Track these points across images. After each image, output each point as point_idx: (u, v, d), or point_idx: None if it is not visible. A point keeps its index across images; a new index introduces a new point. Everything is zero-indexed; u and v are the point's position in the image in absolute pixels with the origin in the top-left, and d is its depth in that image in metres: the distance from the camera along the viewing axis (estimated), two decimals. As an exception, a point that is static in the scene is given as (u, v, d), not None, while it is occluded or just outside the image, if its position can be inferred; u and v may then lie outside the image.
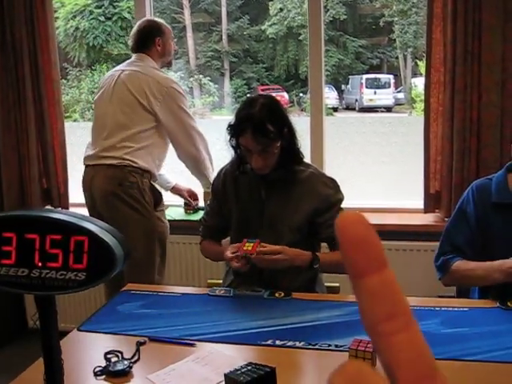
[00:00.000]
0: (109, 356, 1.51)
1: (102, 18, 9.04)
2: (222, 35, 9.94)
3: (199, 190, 3.03)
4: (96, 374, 1.43)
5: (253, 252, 1.86)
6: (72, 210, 3.43)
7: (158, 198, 2.79)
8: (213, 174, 2.66)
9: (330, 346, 1.56)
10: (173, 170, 3.17)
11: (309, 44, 3.15)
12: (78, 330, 1.73)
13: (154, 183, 2.77)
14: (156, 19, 2.98)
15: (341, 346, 1.54)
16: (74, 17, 9.15)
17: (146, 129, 2.70)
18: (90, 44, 9.07)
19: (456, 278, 2.01)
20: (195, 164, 2.82)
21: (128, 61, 2.90)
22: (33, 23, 3.20)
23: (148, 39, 2.81)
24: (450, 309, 1.80)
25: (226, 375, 1.25)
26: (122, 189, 2.64)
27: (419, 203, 3.00)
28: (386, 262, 0.27)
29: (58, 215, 0.97)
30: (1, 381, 1.55)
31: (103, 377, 1.43)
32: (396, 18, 9.07)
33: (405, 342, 0.25)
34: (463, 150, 2.78)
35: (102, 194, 2.68)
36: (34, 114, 3.33)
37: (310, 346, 1.57)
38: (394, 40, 9.48)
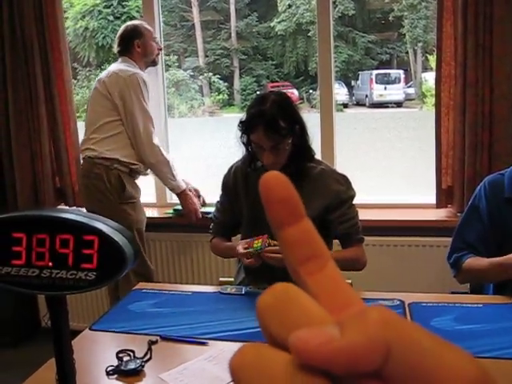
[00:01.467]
0: (121, 355, 1.51)
1: (111, 18, 9.07)
2: (230, 33, 9.93)
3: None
4: (108, 373, 1.44)
5: (263, 248, 1.86)
6: (85, 208, 3.45)
7: (126, 189, 2.86)
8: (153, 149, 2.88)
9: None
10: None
11: (318, 40, 3.13)
12: (90, 329, 1.73)
13: (128, 175, 2.89)
14: (136, 23, 3.14)
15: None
16: (83, 17, 9.18)
17: (112, 120, 2.90)
18: (100, 44, 9.10)
19: (468, 275, 2.00)
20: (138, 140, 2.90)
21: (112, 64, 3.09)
22: (42, 21, 3.22)
23: (128, 43, 3.03)
24: (464, 305, 1.78)
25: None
26: (88, 181, 2.88)
27: (431, 198, 2.98)
28: (303, 215, 0.31)
29: (68, 215, 0.97)
30: (15, 380, 1.55)
31: (115, 376, 1.43)
32: (405, 13, 9.01)
33: (322, 279, 0.29)
34: (475, 144, 2.76)
35: (78, 188, 3.02)
36: (46, 113, 3.35)
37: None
38: (404, 35, 9.42)
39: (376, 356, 0.24)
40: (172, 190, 3.04)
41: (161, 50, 3.17)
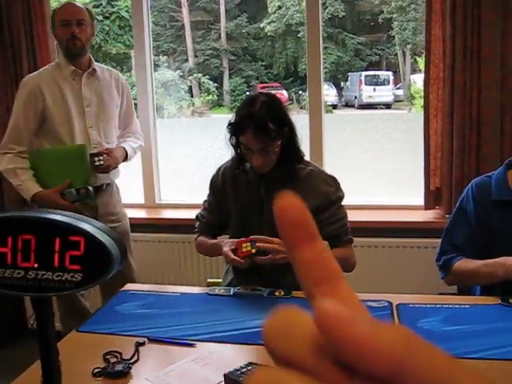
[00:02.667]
0: (108, 357, 1.50)
1: (100, 18, 9.02)
2: (220, 33, 9.92)
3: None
4: (95, 375, 1.42)
5: (251, 252, 1.86)
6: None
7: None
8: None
9: (330, 344, 1.55)
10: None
11: (307, 41, 3.13)
12: (77, 330, 1.72)
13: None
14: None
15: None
16: (72, 16, 9.13)
17: None
18: (89, 43, 9.06)
19: (458, 277, 2.00)
20: None
21: None
22: (30, 21, 3.19)
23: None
24: (452, 306, 1.79)
25: (225, 375, 1.24)
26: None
27: (419, 200, 3.00)
28: (317, 236, 0.32)
29: (54, 216, 0.96)
30: (1, 381, 1.54)
31: (102, 378, 1.42)
32: (395, 15, 9.04)
33: (337, 300, 0.29)
34: (463, 146, 2.77)
35: None
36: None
37: (310, 345, 1.55)
38: (393, 37, 9.45)
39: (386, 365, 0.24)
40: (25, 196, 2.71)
41: (75, 35, 2.58)
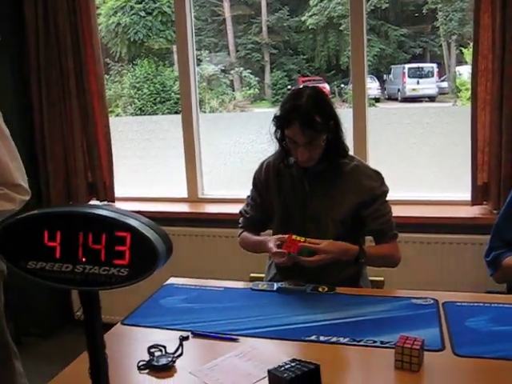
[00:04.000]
0: (152, 350, 1.51)
1: (143, 13, 9.11)
2: (261, 27, 9.89)
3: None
4: (140, 368, 1.44)
5: (295, 251, 1.85)
6: (117, 203, 3.49)
7: None
8: None
9: (375, 342, 1.53)
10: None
11: (350, 34, 3.09)
12: (122, 323, 1.74)
13: None
14: None
15: (387, 343, 1.51)
16: (116, 12, 9.26)
17: None
18: (131, 39, 9.16)
19: (507, 274, 1.95)
20: None
21: None
22: (76, 17, 3.26)
23: None
24: (501, 305, 1.74)
25: (269, 371, 1.23)
26: None
27: (466, 195, 2.92)
28: None
29: (101, 211, 0.97)
30: (49, 370, 1.58)
31: (147, 371, 1.43)
32: (440, 5, 8.84)
33: None
34: (513, 140, 2.69)
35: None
36: (78, 108, 3.39)
37: (354, 342, 1.53)
38: (438, 28, 9.24)
39: None
40: None
41: None
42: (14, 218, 0.98)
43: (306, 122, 1.86)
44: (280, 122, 1.96)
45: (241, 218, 2.27)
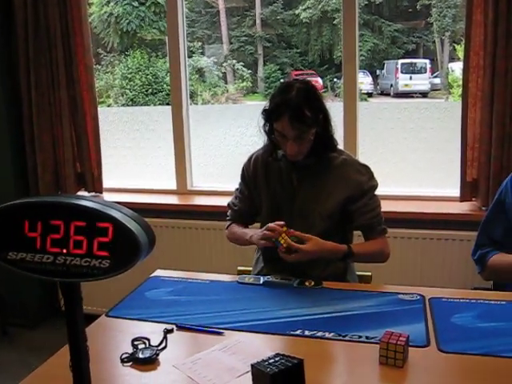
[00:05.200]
0: (136, 343, 1.50)
1: (136, 4, 9.06)
2: (255, 20, 9.87)
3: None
4: (123, 361, 1.43)
5: (282, 247, 1.85)
6: (106, 194, 3.46)
7: None
8: None
9: (360, 337, 1.52)
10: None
11: (343, 28, 3.07)
12: (106, 315, 1.73)
13: None
14: None
15: (372, 338, 1.50)
16: (108, 2, 9.20)
17: None
18: (124, 29, 9.11)
19: (494, 272, 1.95)
20: None
21: None
22: (65, 5, 3.21)
23: None
24: (487, 301, 1.74)
25: (252, 366, 1.22)
26: None
27: (455, 191, 2.92)
28: None
29: (83, 202, 0.95)
30: (32, 360, 1.57)
31: (130, 363, 1.42)
32: (434, 1, 8.85)
33: None
34: (503, 136, 2.69)
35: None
36: (68, 98, 3.35)
37: (339, 337, 1.53)
38: (431, 24, 9.25)
39: None
40: None
41: None
42: (-5, 207, 0.96)
43: (296, 115, 1.85)
44: (269, 116, 1.94)
45: (229, 211, 2.26)
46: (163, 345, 1.50)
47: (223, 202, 2.39)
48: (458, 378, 1.36)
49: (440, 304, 1.73)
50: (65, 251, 0.94)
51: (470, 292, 1.91)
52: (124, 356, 1.44)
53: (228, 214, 2.26)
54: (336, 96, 8.21)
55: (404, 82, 8.94)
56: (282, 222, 1.89)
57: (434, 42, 9.64)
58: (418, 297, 1.78)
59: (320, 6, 9.38)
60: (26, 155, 3.47)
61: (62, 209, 0.95)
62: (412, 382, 1.35)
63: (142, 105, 8.00)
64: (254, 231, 2.04)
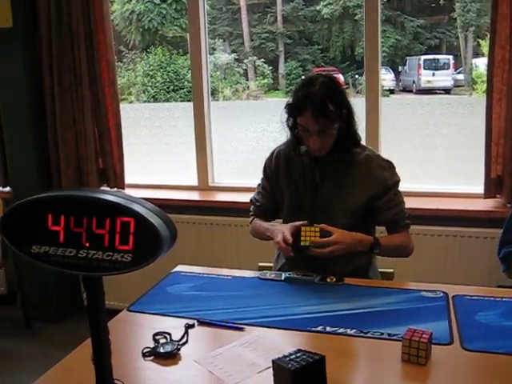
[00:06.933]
0: (157, 337, 1.51)
1: (157, 1, 9.09)
2: (276, 16, 9.84)
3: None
4: (144, 355, 1.43)
5: (307, 244, 1.84)
6: (127, 190, 3.49)
7: None
8: None
9: (382, 334, 1.51)
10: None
11: (364, 24, 3.04)
12: (128, 310, 1.74)
13: None
14: None
15: (394, 335, 1.49)
16: (130, 0, 9.24)
17: None
18: (146, 27, 9.15)
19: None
20: None
21: None
22: (88, 3, 3.24)
23: None
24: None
25: (273, 362, 1.22)
26: None
27: (479, 188, 2.88)
28: None
29: (105, 196, 0.96)
30: (55, 354, 1.58)
31: (151, 358, 1.43)
32: (457, -4, 8.73)
33: None
34: (528, 132, 2.64)
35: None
36: (90, 94, 3.38)
37: (361, 334, 1.52)
38: (455, 19, 9.12)
39: None
40: None
41: None
42: (19, 201, 0.97)
43: (319, 109, 1.84)
44: (292, 110, 1.93)
45: (251, 206, 2.26)
46: (184, 339, 1.51)
47: (244, 198, 2.39)
48: (481, 377, 1.34)
49: (464, 301, 1.71)
50: (87, 245, 0.95)
51: (494, 290, 1.89)
52: (145, 350, 1.44)
53: (251, 209, 2.26)
54: (358, 93, 8.15)
55: (426, 78, 8.82)
56: (303, 222, 1.88)
57: (457, 37, 9.51)
58: (442, 294, 1.76)
59: (341, 2, 9.32)
60: (49, 151, 3.51)
61: (84, 203, 0.96)
62: (435, 379, 1.34)
63: (163, 102, 8.04)
64: (275, 226, 2.03)
